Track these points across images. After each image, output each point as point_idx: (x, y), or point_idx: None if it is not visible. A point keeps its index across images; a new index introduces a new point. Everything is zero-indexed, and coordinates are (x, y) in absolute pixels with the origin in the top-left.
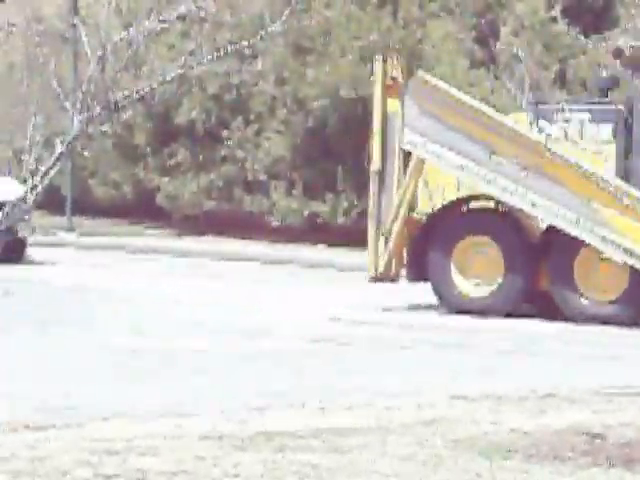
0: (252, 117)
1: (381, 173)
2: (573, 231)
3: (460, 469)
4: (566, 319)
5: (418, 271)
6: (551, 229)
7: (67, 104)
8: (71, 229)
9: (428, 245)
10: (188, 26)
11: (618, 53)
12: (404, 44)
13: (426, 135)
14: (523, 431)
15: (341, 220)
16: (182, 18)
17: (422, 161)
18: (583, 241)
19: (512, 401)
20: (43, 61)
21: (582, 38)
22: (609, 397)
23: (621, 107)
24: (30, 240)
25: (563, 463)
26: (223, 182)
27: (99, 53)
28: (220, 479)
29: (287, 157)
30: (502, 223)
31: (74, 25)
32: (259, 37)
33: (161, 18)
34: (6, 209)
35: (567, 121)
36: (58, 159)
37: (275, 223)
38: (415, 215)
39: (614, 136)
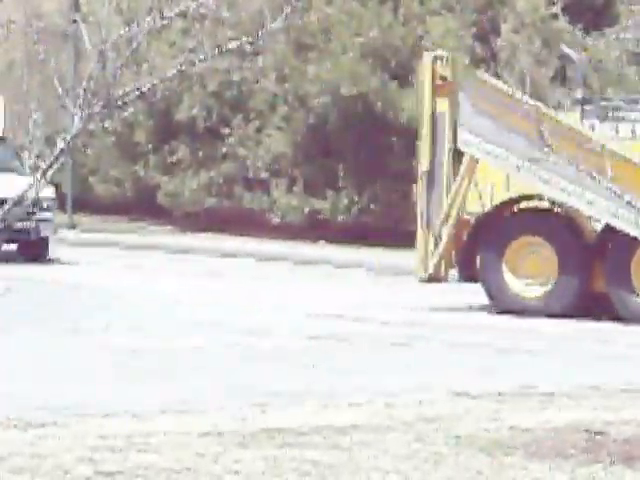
0: (253, 114)
1: (430, 174)
2: (632, 231)
3: (461, 466)
4: (621, 319)
5: (469, 272)
6: (607, 229)
7: (67, 101)
8: (72, 226)
9: (479, 246)
10: (189, 23)
11: None
12: (405, 41)
13: (481, 135)
14: (524, 428)
15: (341, 217)
16: (183, 15)
17: (475, 161)
18: None
19: (513, 399)
20: (43, 58)
21: (582, 35)
22: (609, 394)
23: None
24: (52, 239)
25: (564, 460)
26: (224, 179)
27: (99, 50)
28: (221, 476)
29: (288, 154)
30: (556, 223)
31: (75, 22)
32: (259, 35)
33: (162, 15)
34: (7, 206)
35: (620, 120)
36: (59, 156)
37: (276, 220)
38: (465, 216)
39: None
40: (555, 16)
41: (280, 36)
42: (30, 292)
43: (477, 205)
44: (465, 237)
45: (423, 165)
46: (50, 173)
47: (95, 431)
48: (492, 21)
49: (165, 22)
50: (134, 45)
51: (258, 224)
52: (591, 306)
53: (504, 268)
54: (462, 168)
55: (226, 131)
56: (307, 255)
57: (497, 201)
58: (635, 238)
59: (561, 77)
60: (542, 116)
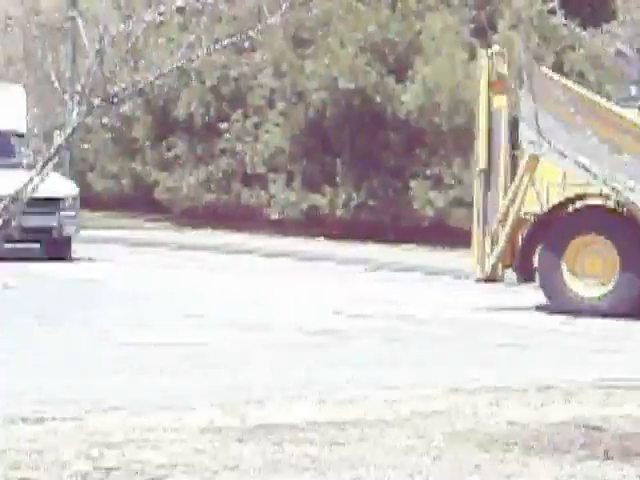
0: (250, 110)
1: (486, 172)
2: None
3: (459, 462)
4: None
5: (526, 272)
6: None
7: (65, 97)
8: None
9: (538, 245)
10: (187, 19)
11: None
12: (402, 36)
13: (543, 132)
14: (522, 424)
15: (340, 213)
16: (181, 11)
17: (536, 159)
18: None
19: (511, 394)
20: (41, 54)
21: (579, 30)
22: (608, 390)
23: None
24: (76, 238)
25: (562, 455)
26: (222, 175)
27: (97, 46)
28: (219, 472)
29: (286, 150)
30: (618, 222)
31: (72, 17)
32: (257, 30)
33: (160, 10)
34: (5, 202)
35: None
36: (57, 152)
37: (274, 216)
38: (523, 215)
39: None
40: (552, 11)
41: (278, 31)
42: (29, 287)
43: (535, 204)
44: (523, 237)
45: (480, 164)
46: (48, 169)
47: (94, 427)
48: (489, 17)
49: (163, 17)
50: (132, 40)
51: (256, 220)
52: None
53: (563, 268)
54: (521, 166)
55: (224, 127)
56: (305, 251)
57: (556, 200)
58: None
59: (559, 73)
60: (606, 112)
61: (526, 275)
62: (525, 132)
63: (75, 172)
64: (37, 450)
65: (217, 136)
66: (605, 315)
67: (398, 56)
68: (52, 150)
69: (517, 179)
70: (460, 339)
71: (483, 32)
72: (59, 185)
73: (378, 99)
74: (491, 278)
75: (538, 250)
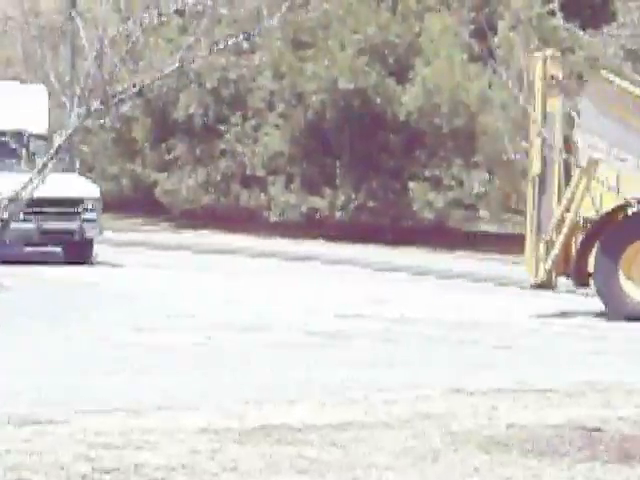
0: (250, 112)
1: (541, 177)
2: None
3: (457, 463)
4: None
5: (582, 277)
6: None
7: (64, 98)
8: None
9: (593, 251)
10: (186, 20)
11: None
12: (402, 37)
13: (603, 136)
14: (520, 425)
15: (339, 215)
16: (180, 12)
17: (595, 164)
18: None
19: (510, 396)
20: (40, 55)
21: (579, 32)
22: (606, 392)
23: None
24: (98, 240)
25: (560, 457)
26: (221, 177)
27: (97, 47)
28: (217, 473)
29: (285, 152)
30: None
31: (72, 18)
32: (256, 32)
33: (159, 12)
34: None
35: None
36: (56, 153)
37: (273, 218)
38: (578, 220)
39: None
40: (552, 13)
41: (277, 33)
42: (26, 288)
43: (591, 209)
44: (579, 242)
45: (534, 168)
46: (48, 170)
47: (92, 428)
48: (489, 18)
49: (162, 19)
50: (131, 42)
51: (256, 221)
52: None
53: (620, 273)
54: (578, 171)
55: (223, 128)
56: (305, 252)
57: (612, 204)
58: None
59: None
60: None
61: (581, 281)
62: (582, 136)
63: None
64: (36, 451)
65: (216, 138)
66: None
67: (398, 57)
68: (51, 151)
69: (573, 184)
70: (458, 341)
71: (482, 33)
72: (80, 186)
73: (378, 100)
74: (545, 284)
75: (594, 256)
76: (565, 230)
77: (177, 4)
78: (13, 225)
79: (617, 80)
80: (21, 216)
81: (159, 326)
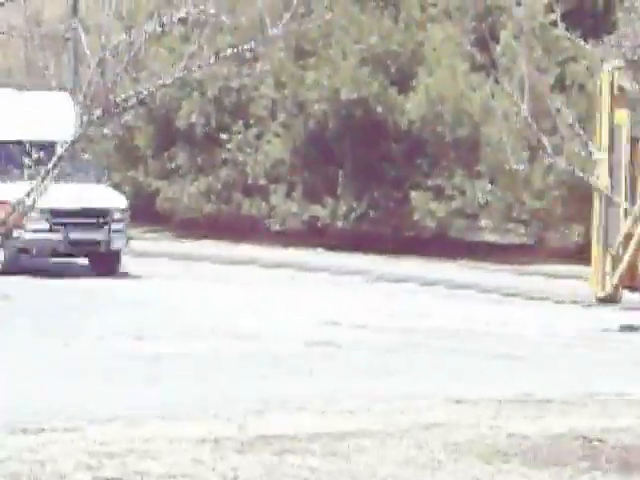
0: (252, 120)
1: (607, 191)
2: None
3: (459, 473)
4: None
5: None
6: None
7: None
8: None
9: None
10: (188, 29)
11: None
12: (404, 47)
13: None
14: (522, 436)
15: (340, 224)
16: (182, 21)
17: None
18: None
19: (511, 406)
20: (43, 64)
21: (581, 42)
22: (606, 402)
23: None
24: (125, 251)
25: (561, 468)
26: (222, 185)
27: (99, 55)
28: None
29: (287, 160)
30: None
31: (74, 27)
32: (259, 41)
33: (161, 21)
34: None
35: None
36: (58, 162)
37: (275, 227)
38: None
39: None
40: (554, 23)
41: (279, 42)
42: (29, 297)
43: None
44: None
45: (600, 182)
46: (50, 179)
47: (93, 437)
48: (491, 28)
49: (165, 28)
50: (134, 51)
51: (257, 230)
52: None
53: None
54: None
55: (225, 137)
56: (306, 262)
57: None
58: None
59: (560, 84)
60: None
61: None
62: None
63: None
64: (37, 460)
65: (218, 146)
66: None
67: (400, 67)
68: (54, 159)
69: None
70: (460, 350)
71: (485, 43)
72: (107, 197)
73: (380, 110)
74: (611, 298)
75: None
76: (633, 245)
77: (180, 13)
78: (39, 235)
79: None
80: (47, 226)
81: (160, 335)
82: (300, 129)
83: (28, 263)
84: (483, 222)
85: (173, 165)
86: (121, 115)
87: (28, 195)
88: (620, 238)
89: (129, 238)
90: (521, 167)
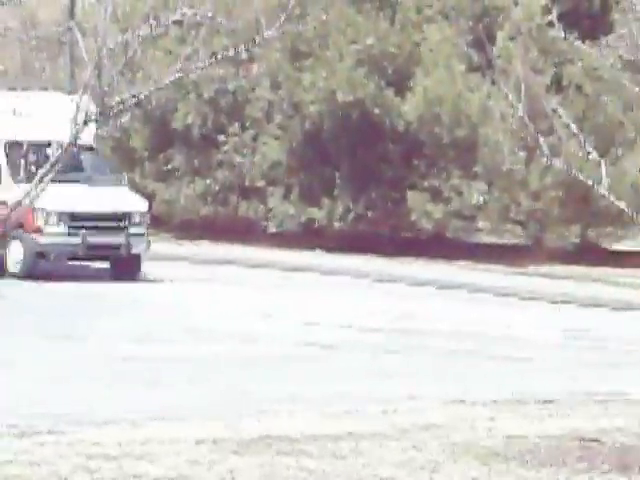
0: (248, 122)
1: None
2: None
3: (457, 474)
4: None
5: None
6: None
7: None
8: None
9: None
10: (184, 31)
11: None
12: (401, 48)
13: None
14: (519, 436)
15: (338, 225)
16: (179, 23)
17: None
18: None
19: (508, 407)
20: (39, 66)
21: (578, 43)
22: (604, 402)
23: None
24: (146, 257)
25: (559, 468)
26: (219, 187)
27: (96, 58)
28: None
29: (284, 162)
30: None
31: (70, 29)
32: (254, 42)
33: (158, 23)
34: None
35: None
36: (55, 164)
37: (272, 229)
38: None
39: None
40: (551, 24)
41: (276, 43)
42: (25, 298)
43: None
44: None
45: None
46: (46, 181)
47: (91, 439)
48: (488, 29)
49: (161, 30)
50: (130, 53)
51: (254, 232)
52: None
53: None
54: None
55: (222, 139)
56: (303, 263)
57: None
58: None
59: (556, 85)
60: None
61: None
62: None
63: None
64: (35, 462)
65: (215, 148)
66: None
67: (396, 68)
68: (51, 161)
69: None
70: (457, 352)
71: (481, 44)
72: (127, 200)
73: (376, 111)
74: None
75: None
76: None
77: (175, 15)
78: (57, 239)
79: None
80: (65, 230)
81: (158, 338)
82: (297, 130)
83: (44, 267)
84: (480, 223)
85: (170, 167)
86: (117, 117)
87: (25, 197)
88: None
89: (150, 242)
90: (518, 168)
